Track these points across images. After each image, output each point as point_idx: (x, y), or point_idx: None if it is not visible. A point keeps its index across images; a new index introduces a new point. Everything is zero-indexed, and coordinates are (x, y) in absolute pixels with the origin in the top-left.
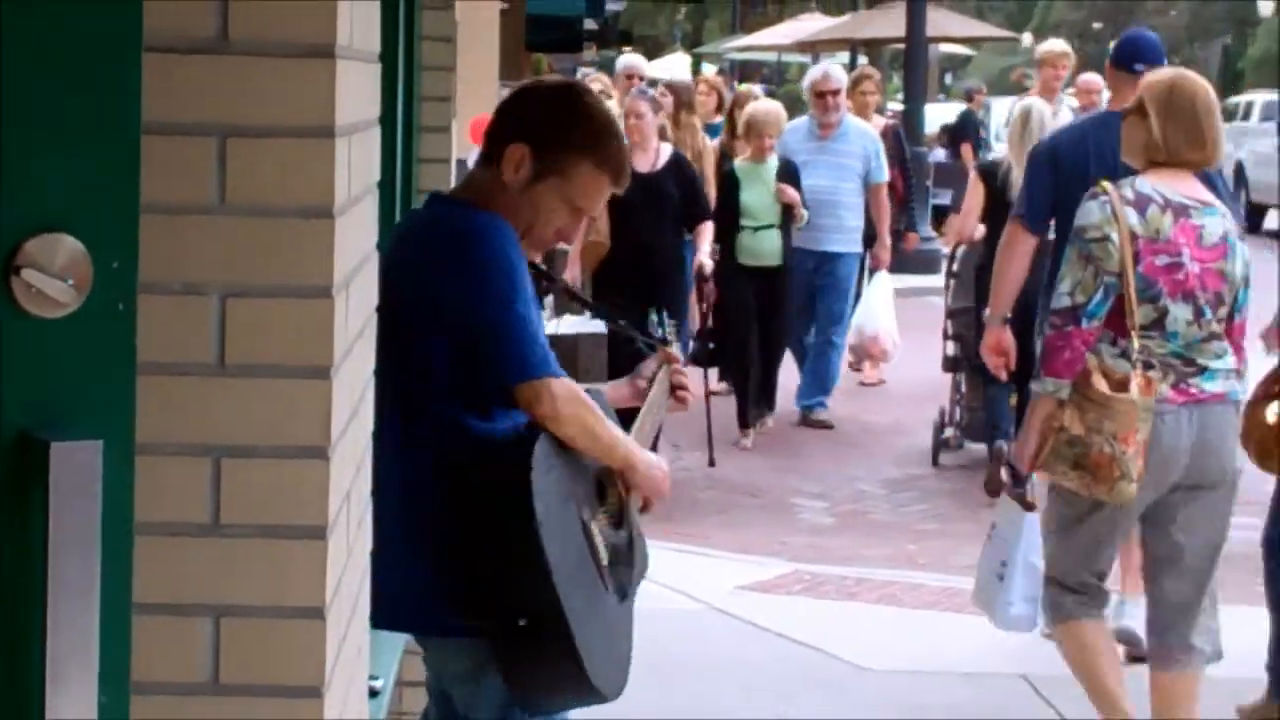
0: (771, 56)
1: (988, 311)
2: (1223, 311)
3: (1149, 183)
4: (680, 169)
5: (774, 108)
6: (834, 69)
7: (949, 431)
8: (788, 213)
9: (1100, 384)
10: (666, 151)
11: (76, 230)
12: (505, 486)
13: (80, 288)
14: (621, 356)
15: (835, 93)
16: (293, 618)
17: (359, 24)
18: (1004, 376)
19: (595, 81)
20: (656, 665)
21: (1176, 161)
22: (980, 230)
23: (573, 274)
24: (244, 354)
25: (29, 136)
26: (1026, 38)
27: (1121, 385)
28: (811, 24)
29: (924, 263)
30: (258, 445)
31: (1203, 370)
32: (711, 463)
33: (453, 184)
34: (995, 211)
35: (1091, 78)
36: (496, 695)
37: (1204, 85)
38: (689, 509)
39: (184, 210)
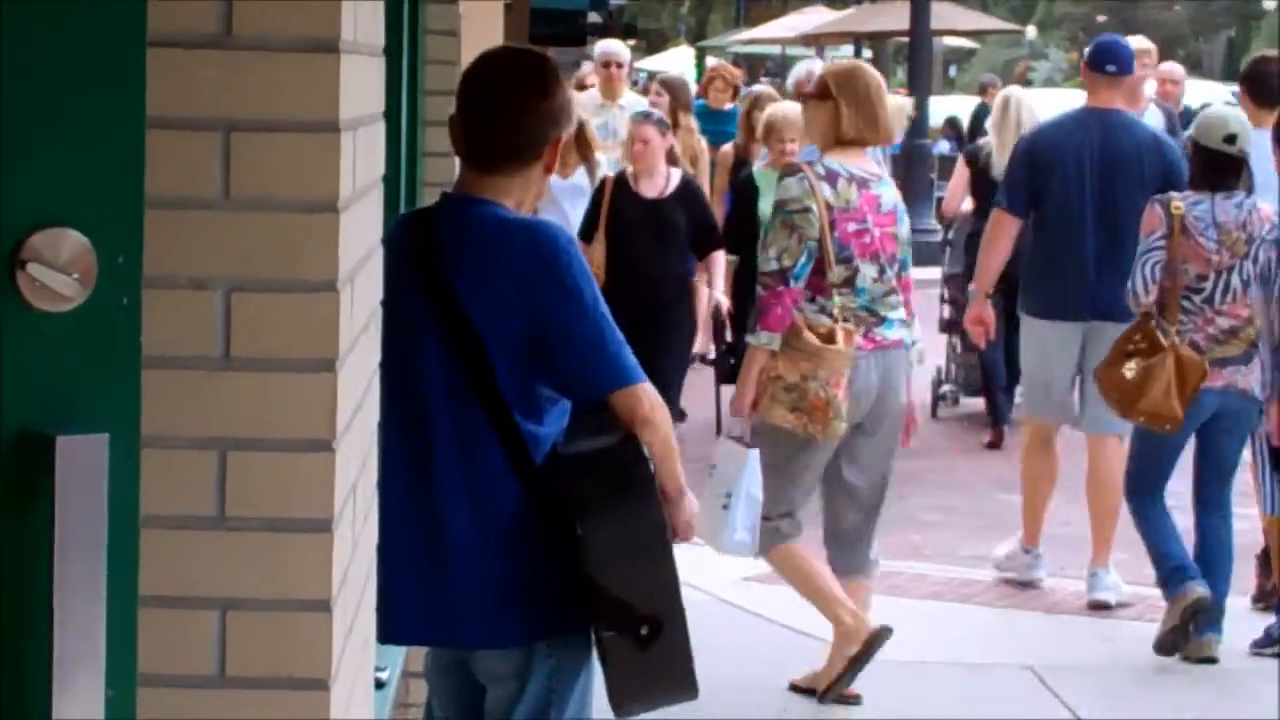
0: (776, 50)
1: (972, 286)
2: (896, 269)
3: (835, 160)
4: (690, 194)
5: (796, 109)
6: (816, 68)
7: (946, 387)
8: None
9: (810, 337)
10: (675, 176)
11: (81, 225)
12: (639, 498)
13: (85, 282)
14: (652, 327)
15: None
16: (299, 610)
17: (363, 18)
18: (982, 344)
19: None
20: None
21: (859, 141)
22: (969, 203)
23: None
24: (249, 348)
25: (33, 131)
26: (1030, 30)
27: (828, 338)
28: (816, 17)
29: (927, 254)
30: (263, 439)
31: (883, 320)
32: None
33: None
34: (980, 188)
35: (1171, 67)
36: (539, 693)
37: (878, 75)
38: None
39: (189, 205)
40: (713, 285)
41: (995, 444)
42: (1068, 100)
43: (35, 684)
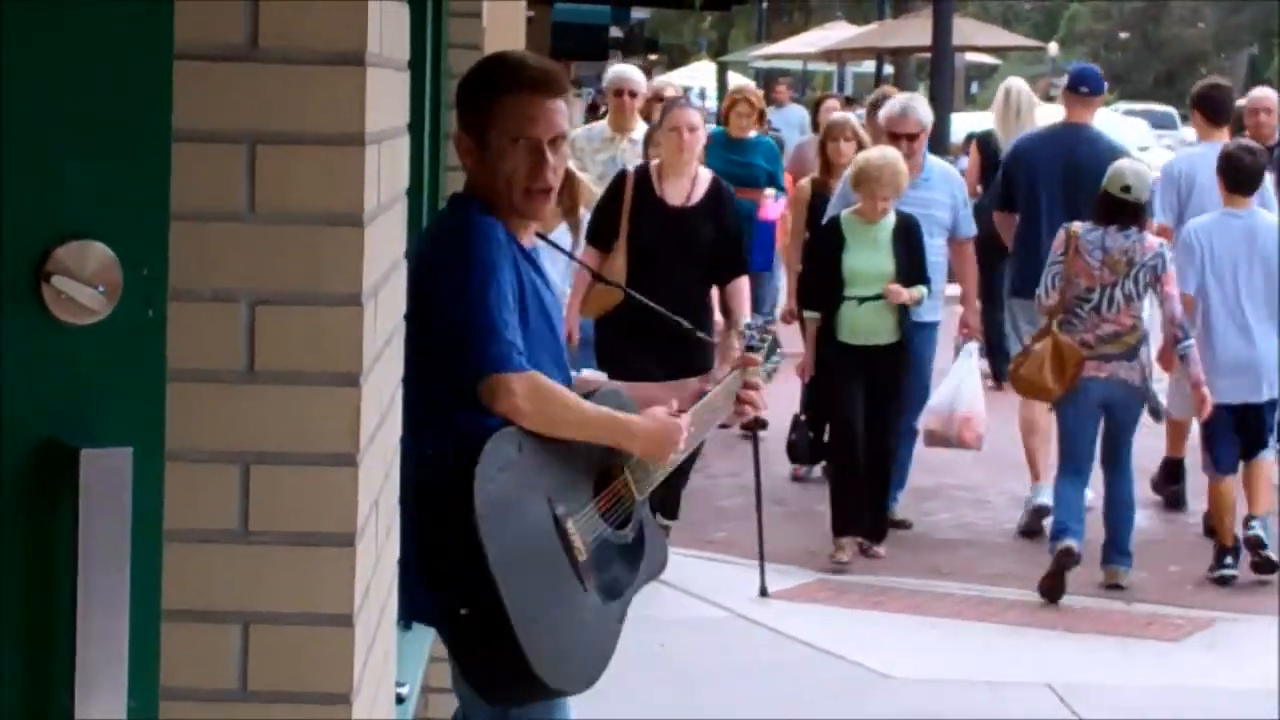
0: (797, 65)
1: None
2: None
3: None
4: (721, 202)
5: (892, 159)
6: (916, 104)
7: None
8: (913, 279)
9: None
10: (705, 179)
11: (107, 237)
12: (460, 479)
13: (110, 295)
14: (673, 353)
15: (913, 137)
16: (321, 624)
17: (388, 31)
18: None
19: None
20: (681, 672)
21: None
22: (979, 189)
23: (571, 322)
24: (273, 361)
25: (60, 144)
26: (1052, 47)
27: None
28: (837, 33)
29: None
30: (287, 452)
31: None
32: (763, 591)
33: None
34: (991, 172)
35: (1263, 94)
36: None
37: None
38: (714, 516)
39: (214, 217)
40: (735, 319)
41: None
42: None
43: (58, 695)
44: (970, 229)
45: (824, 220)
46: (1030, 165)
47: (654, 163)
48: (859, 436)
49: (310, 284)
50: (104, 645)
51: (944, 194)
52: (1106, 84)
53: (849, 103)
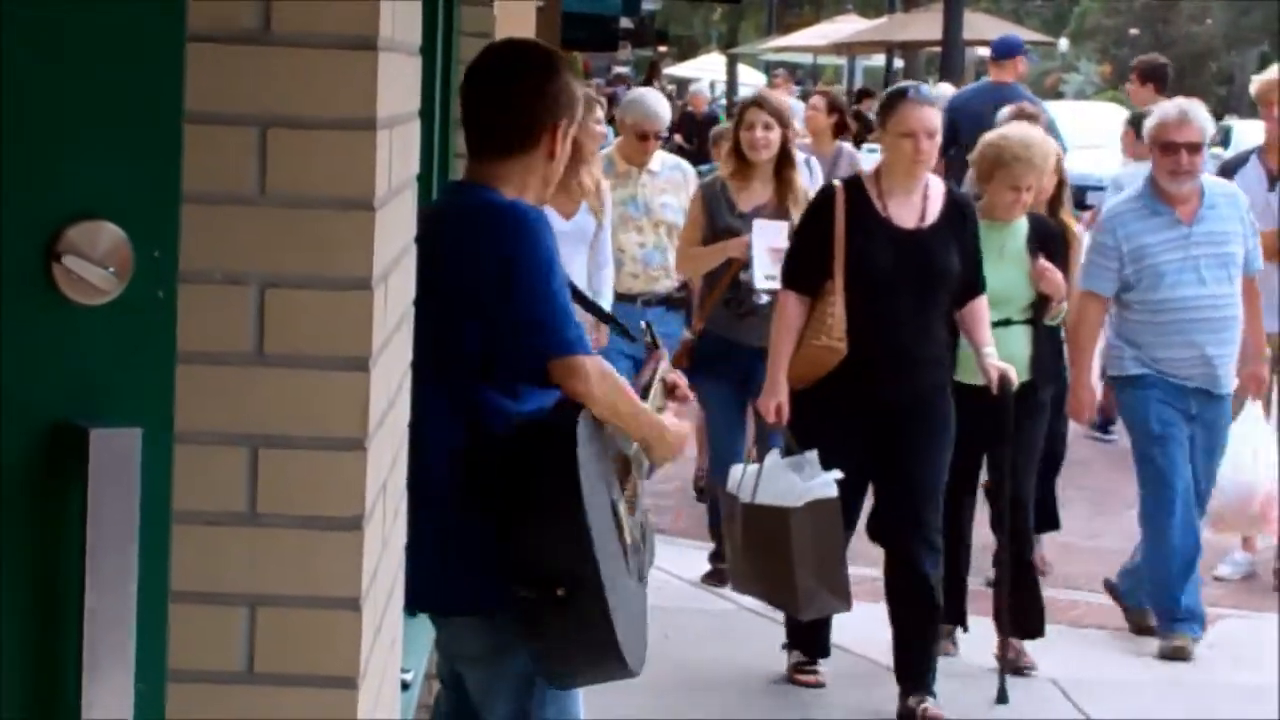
0: (807, 58)
1: None
2: None
3: None
4: (964, 218)
5: (1036, 138)
6: (1195, 108)
7: None
8: (1043, 301)
9: None
10: (939, 190)
11: (118, 218)
12: (550, 458)
13: (121, 275)
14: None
15: (1196, 147)
16: (328, 608)
17: (400, 17)
18: None
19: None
20: (687, 663)
21: None
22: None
23: (776, 403)
24: (283, 344)
25: (72, 124)
26: (1063, 43)
27: None
28: (848, 26)
29: None
30: (295, 435)
31: None
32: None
33: None
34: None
35: None
36: (514, 679)
37: None
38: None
39: (225, 200)
40: (980, 347)
41: None
42: (1100, 112)
43: (65, 677)
44: (1259, 262)
45: None
46: (962, 119)
47: (867, 172)
48: (967, 500)
49: (321, 268)
50: (112, 625)
51: (1235, 222)
52: (1114, 80)
53: (862, 95)
